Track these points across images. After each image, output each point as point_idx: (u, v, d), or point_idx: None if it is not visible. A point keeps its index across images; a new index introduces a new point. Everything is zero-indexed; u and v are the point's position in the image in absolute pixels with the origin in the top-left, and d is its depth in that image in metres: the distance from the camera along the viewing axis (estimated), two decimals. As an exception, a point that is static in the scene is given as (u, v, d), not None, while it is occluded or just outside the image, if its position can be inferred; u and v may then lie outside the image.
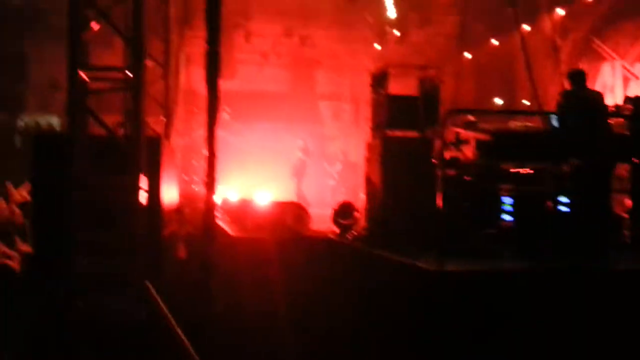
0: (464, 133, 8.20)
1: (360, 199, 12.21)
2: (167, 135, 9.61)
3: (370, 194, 8.01)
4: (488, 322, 5.09)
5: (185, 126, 20.55)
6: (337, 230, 8.29)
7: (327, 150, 22.46)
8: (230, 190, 12.22)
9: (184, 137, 20.35)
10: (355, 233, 7.90)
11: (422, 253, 5.80)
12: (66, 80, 5.59)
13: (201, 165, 17.76)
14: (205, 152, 6.23)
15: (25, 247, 9.27)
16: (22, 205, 10.00)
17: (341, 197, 17.26)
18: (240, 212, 9.62)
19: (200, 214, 6.49)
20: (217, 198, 6.86)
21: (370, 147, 8.14)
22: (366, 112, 17.07)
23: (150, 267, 5.76)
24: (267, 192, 10.61)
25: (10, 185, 10.70)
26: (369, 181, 8.04)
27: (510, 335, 5.06)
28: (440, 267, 5.19)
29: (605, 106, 7.61)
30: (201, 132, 10.83)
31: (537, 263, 5.82)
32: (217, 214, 8.20)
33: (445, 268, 5.20)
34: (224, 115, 19.64)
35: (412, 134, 7.83)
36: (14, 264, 8.72)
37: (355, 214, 8.43)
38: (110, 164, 5.68)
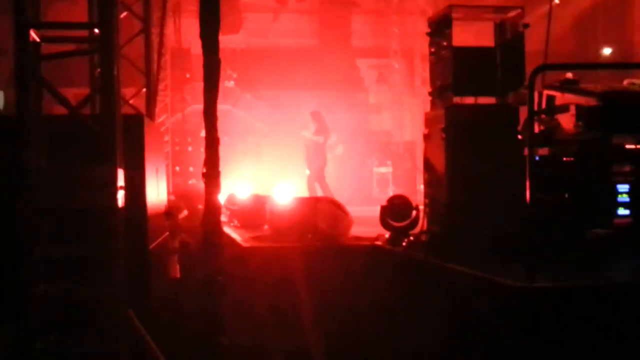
0: (560, 97, 8.17)
1: (418, 192, 12.24)
2: (151, 113, 9.72)
3: (431, 184, 8.02)
4: (594, 353, 5.08)
5: (175, 99, 20.83)
6: (387, 235, 8.31)
7: (369, 126, 22.40)
8: (238, 184, 12.31)
9: (174, 113, 20.65)
10: (413, 238, 7.91)
11: (505, 264, 5.79)
12: (12, 42, 5.68)
13: (199, 152, 17.88)
14: (204, 133, 6.30)
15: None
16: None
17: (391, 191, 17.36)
18: (254, 213, 9.70)
19: (199, 218, 6.57)
20: (222, 195, 6.92)
21: (429, 120, 8.14)
22: (423, 71, 17.11)
23: (133, 290, 5.85)
24: (290, 186, 10.65)
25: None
26: (429, 166, 8.05)
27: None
28: (530, 282, 5.18)
29: None
30: (197, 107, 10.87)
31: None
32: (223, 217, 8.28)
33: (537, 284, 5.19)
34: (227, 82, 19.90)
35: (487, 100, 7.82)
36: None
37: (413, 212, 8.44)
38: (75, 153, 5.76)
